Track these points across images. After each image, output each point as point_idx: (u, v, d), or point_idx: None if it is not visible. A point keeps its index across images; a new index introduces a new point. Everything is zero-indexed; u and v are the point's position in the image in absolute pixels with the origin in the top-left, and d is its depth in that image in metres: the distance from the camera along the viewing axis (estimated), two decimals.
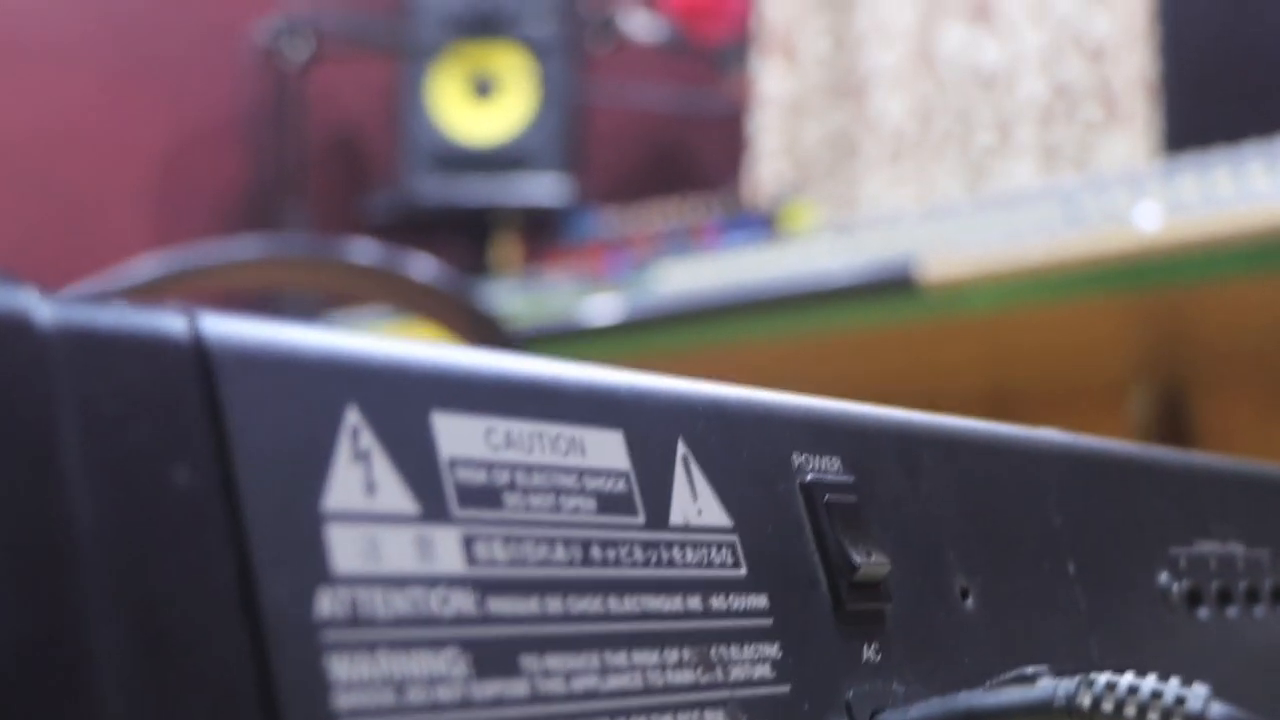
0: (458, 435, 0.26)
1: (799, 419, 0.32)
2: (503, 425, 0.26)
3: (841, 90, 2.04)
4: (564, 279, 1.59)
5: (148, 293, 1.05)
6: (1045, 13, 1.81)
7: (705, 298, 1.28)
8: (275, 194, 1.66)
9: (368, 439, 0.24)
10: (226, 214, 2.25)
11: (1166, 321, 1.20)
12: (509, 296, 1.61)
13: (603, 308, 1.35)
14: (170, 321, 0.23)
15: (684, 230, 1.65)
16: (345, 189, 2.34)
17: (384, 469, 0.24)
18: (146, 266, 1.01)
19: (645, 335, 1.30)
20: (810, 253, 1.33)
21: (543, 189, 2.06)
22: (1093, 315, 1.14)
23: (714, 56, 1.54)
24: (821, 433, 0.32)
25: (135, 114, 2.18)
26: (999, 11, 1.86)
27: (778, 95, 2.03)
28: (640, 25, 1.55)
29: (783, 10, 2.04)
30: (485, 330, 1.03)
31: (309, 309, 1.64)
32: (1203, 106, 1.46)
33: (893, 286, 1.13)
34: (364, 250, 1.04)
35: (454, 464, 0.25)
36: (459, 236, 2.29)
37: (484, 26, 1.99)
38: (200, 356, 0.23)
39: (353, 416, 0.24)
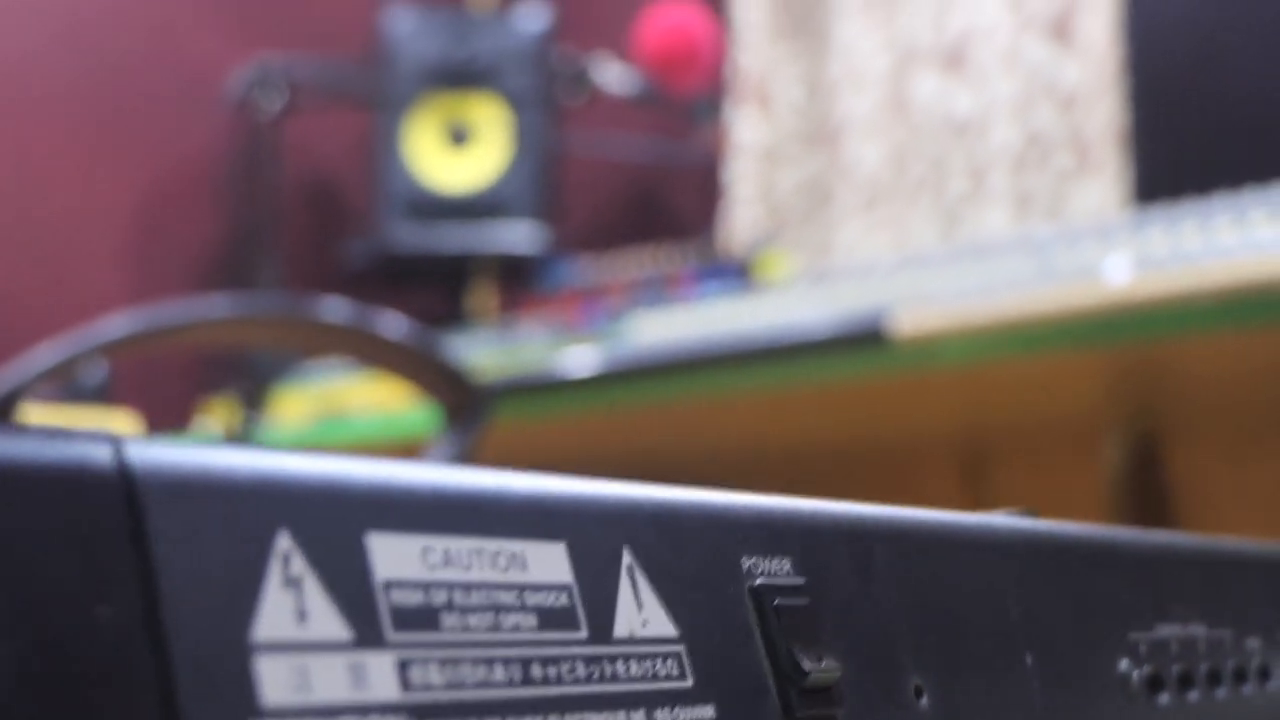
0: (393, 556, 0.25)
1: (748, 520, 0.32)
2: (440, 543, 0.26)
3: (816, 138, 2.05)
4: (539, 329, 1.59)
5: (119, 351, 1.04)
6: (1017, 61, 1.82)
7: (680, 350, 1.28)
8: (250, 244, 1.66)
9: (299, 564, 0.24)
10: (201, 264, 2.25)
11: (1138, 373, 1.20)
12: (483, 347, 1.60)
13: (577, 360, 1.35)
14: (93, 451, 0.22)
15: (659, 279, 1.65)
16: (321, 237, 2.34)
17: (316, 595, 0.24)
18: (117, 325, 1.00)
19: (619, 388, 1.30)
20: (784, 304, 1.33)
21: (518, 237, 2.06)
22: (1064, 367, 1.15)
23: (687, 107, 1.54)
24: (772, 533, 0.32)
25: (109, 164, 2.18)
26: (971, 60, 1.87)
27: (752, 143, 2.03)
28: (614, 77, 1.55)
29: (757, 58, 2.05)
30: (456, 387, 1.03)
31: (281, 362, 1.63)
32: (1173, 155, 1.47)
33: (865, 340, 1.13)
34: (335, 308, 1.03)
35: (389, 586, 0.25)
36: (434, 284, 2.29)
37: (458, 77, 2.00)
38: (126, 487, 0.22)
39: (284, 542, 0.24)
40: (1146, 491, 1.53)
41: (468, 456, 1.02)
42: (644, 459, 1.79)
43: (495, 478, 0.28)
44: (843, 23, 1.99)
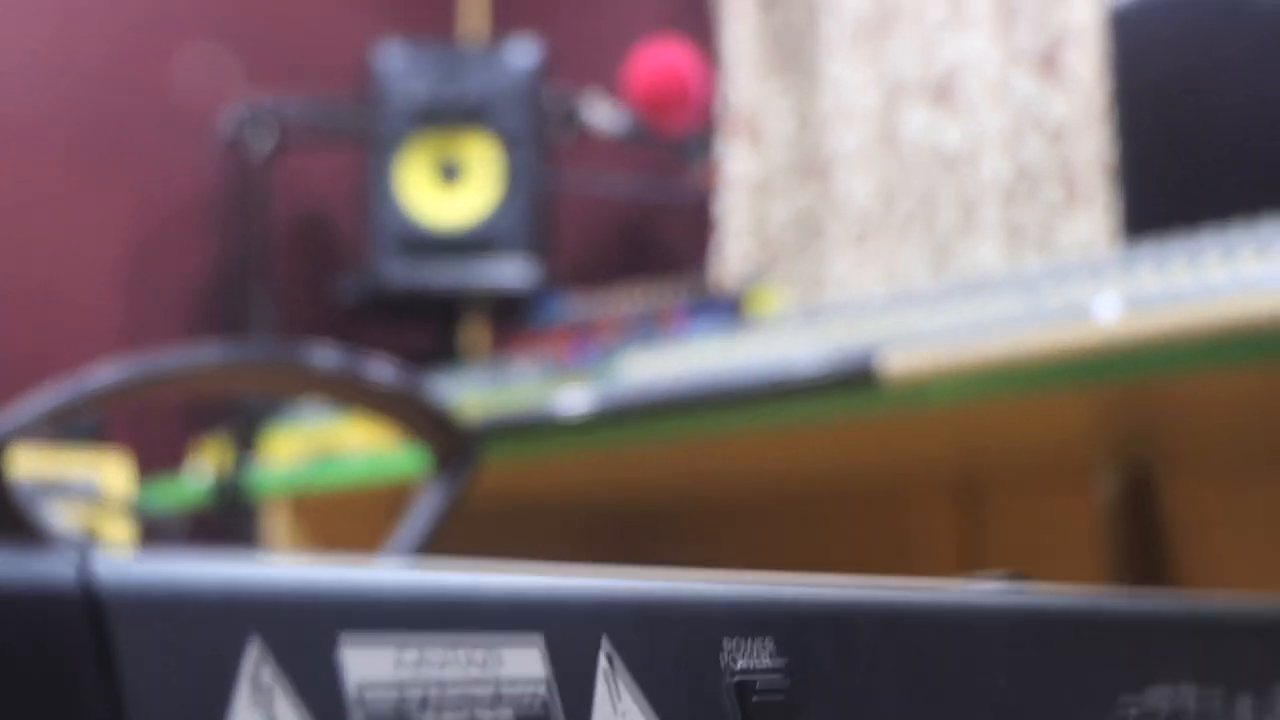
0: (367, 660, 0.25)
1: (729, 605, 0.31)
2: (415, 644, 0.26)
3: (806, 172, 2.05)
4: (531, 366, 1.58)
5: (111, 401, 1.04)
6: (1005, 94, 1.83)
7: (672, 389, 1.27)
8: (241, 282, 1.66)
9: (270, 674, 0.24)
10: (193, 301, 2.25)
11: (1129, 410, 1.20)
12: (475, 385, 1.60)
13: (569, 400, 1.35)
14: (58, 568, 0.22)
15: (651, 316, 1.64)
16: (313, 274, 2.34)
17: (286, 705, 0.24)
18: (107, 373, 1.00)
19: (612, 428, 1.30)
20: (776, 342, 1.33)
21: (509, 274, 2.06)
22: (1056, 406, 1.14)
23: (678, 144, 1.54)
24: (753, 617, 0.31)
25: (100, 203, 2.18)
26: (960, 93, 1.88)
27: (743, 177, 2.04)
28: (604, 114, 1.55)
29: (747, 94, 2.05)
30: (445, 434, 1.02)
31: (272, 404, 1.63)
32: (1161, 190, 1.47)
33: (856, 379, 1.12)
34: (324, 354, 1.03)
35: (362, 689, 0.25)
36: (426, 321, 2.29)
37: (449, 114, 2.00)
38: (91, 604, 0.22)
39: (255, 651, 0.24)
40: (1140, 525, 1.52)
41: (456, 503, 1.02)
42: (636, 496, 1.79)
43: (469, 575, 0.28)
44: (832, 57, 2.00)
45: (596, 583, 0.29)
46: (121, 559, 0.23)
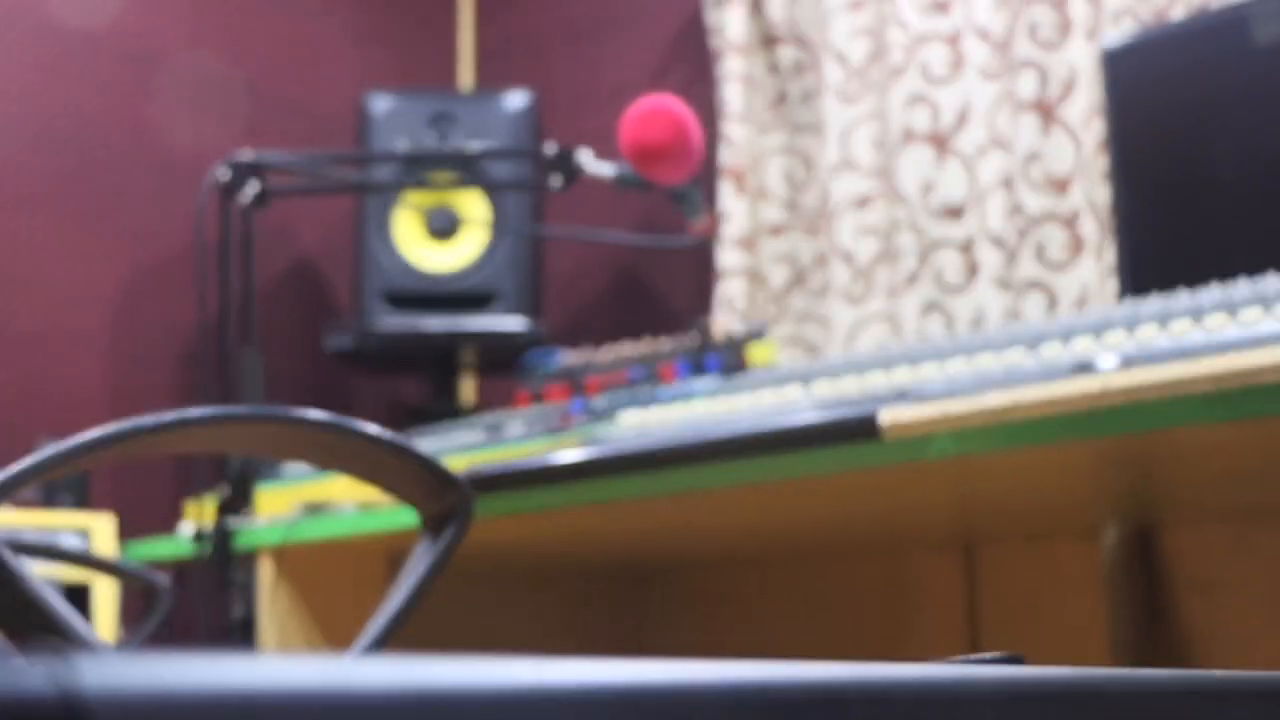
0: None
1: (717, 695, 0.30)
2: None
3: (805, 222, 2.04)
4: (525, 420, 1.57)
5: (98, 455, 1.02)
6: (1005, 144, 1.82)
7: (670, 442, 1.25)
8: (231, 332, 1.64)
9: None
10: (181, 353, 2.23)
11: (1133, 463, 1.19)
12: (467, 438, 1.58)
13: (565, 453, 1.33)
14: (35, 678, 0.20)
15: (647, 370, 1.63)
16: (303, 326, 2.33)
17: None
18: (98, 432, 0.99)
19: (606, 483, 1.28)
20: (774, 397, 1.32)
21: (502, 325, 2.05)
22: (1059, 458, 1.13)
23: (674, 195, 1.53)
24: (744, 706, 0.30)
25: (89, 255, 2.17)
26: (960, 143, 1.88)
27: (741, 228, 2.03)
28: (598, 165, 1.55)
29: (747, 144, 2.05)
30: (436, 494, 1.00)
31: (262, 463, 1.61)
32: (1160, 238, 1.46)
33: (857, 434, 1.11)
34: (313, 415, 1.01)
35: None
36: (418, 371, 2.27)
37: (441, 164, 1.99)
38: (72, 715, 0.20)
39: None
40: (1142, 576, 1.51)
41: (448, 560, 1.00)
42: (634, 550, 1.77)
43: (454, 670, 0.26)
44: (832, 107, 1.99)
45: (574, 678, 0.28)
46: (105, 667, 0.21)
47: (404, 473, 1.01)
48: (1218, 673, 0.48)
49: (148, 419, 0.99)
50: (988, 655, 0.44)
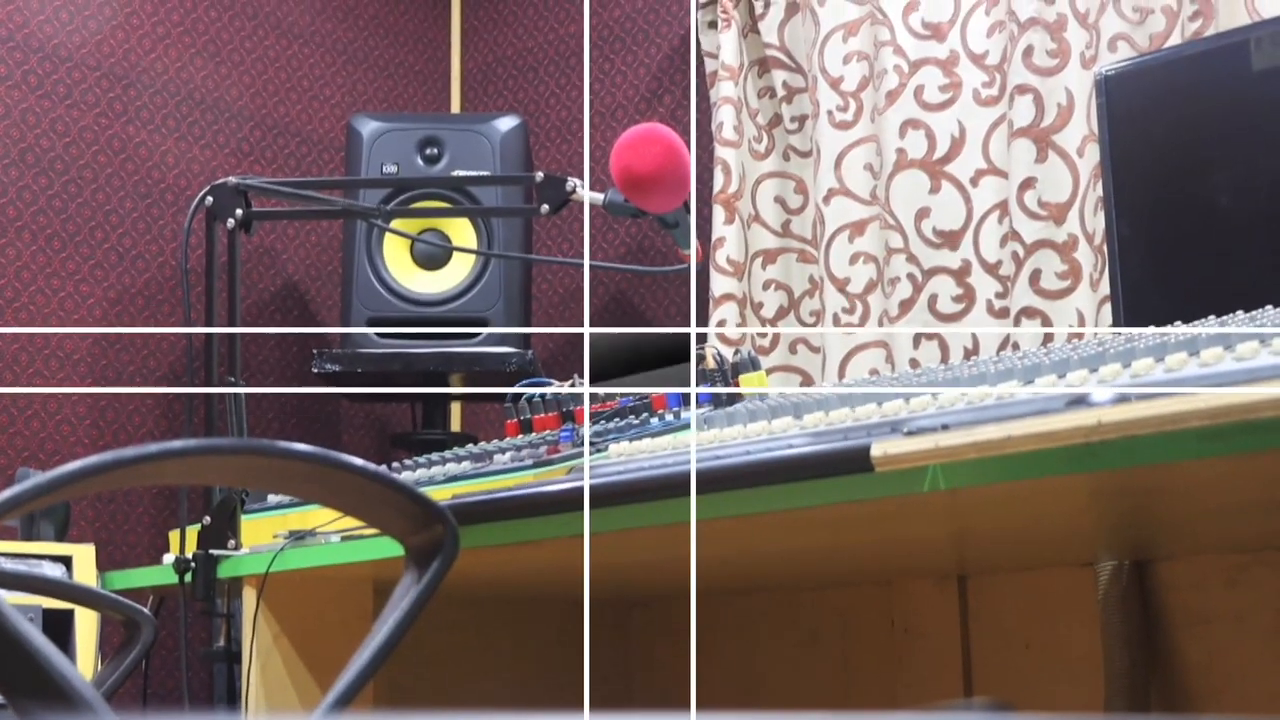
0: None
1: None
2: None
3: (799, 248, 2.03)
4: (513, 450, 1.55)
5: (82, 488, 1.00)
6: (1000, 170, 1.81)
7: (661, 473, 1.24)
8: (217, 356, 1.62)
9: None
10: (167, 379, 2.21)
11: (1128, 497, 1.17)
12: (454, 468, 1.56)
13: (553, 485, 1.31)
14: None
15: (639, 400, 1.61)
16: (292, 350, 2.31)
17: None
18: (79, 464, 0.97)
19: (597, 513, 1.26)
20: (767, 429, 1.30)
21: (491, 350, 2.03)
22: (1054, 491, 1.12)
23: (662, 223, 1.52)
24: None
25: (76, 276, 2.15)
26: (955, 169, 1.86)
27: (734, 254, 2.01)
28: (590, 191, 1.53)
29: (741, 169, 2.04)
30: (421, 527, 0.99)
31: (246, 494, 1.59)
32: (1156, 267, 1.45)
33: (850, 467, 1.09)
34: (299, 448, 0.99)
35: None
36: (406, 398, 2.25)
37: (432, 189, 1.98)
38: None
39: None
40: (1137, 608, 1.49)
41: (433, 593, 0.98)
42: (623, 581, 1.75)
43: None
44: (825, 132, 1.98)
45: None
46: None
47: (389, 505, 0.99)
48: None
49: (129, 451, 0.97)
50: (976, 701, 0.42)
